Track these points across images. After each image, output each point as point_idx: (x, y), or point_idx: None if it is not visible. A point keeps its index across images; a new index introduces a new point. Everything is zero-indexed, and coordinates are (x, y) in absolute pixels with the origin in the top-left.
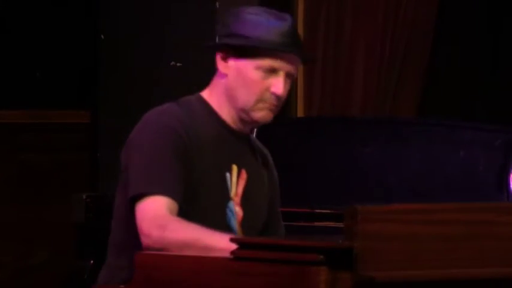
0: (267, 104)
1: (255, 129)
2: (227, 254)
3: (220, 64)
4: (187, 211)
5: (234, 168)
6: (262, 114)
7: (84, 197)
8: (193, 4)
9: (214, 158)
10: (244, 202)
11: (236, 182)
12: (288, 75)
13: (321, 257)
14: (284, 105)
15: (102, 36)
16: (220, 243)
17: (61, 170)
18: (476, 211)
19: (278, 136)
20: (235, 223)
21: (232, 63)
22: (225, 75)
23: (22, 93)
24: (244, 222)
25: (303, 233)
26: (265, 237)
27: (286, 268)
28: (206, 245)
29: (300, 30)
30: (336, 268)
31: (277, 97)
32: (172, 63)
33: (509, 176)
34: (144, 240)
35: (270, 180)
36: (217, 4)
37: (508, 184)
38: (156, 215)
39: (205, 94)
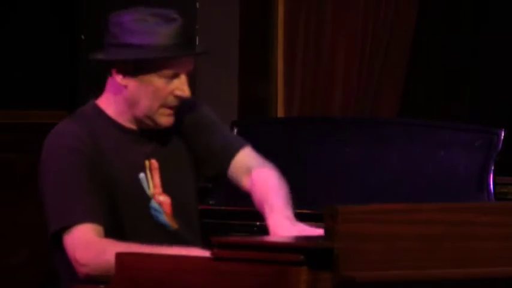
0: (170, 110)
1: (236, 130)
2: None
3: (118, 77)
4: (112, 225)
5: (147, 164)
6: (166, 120)
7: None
8: (174, 4)
9: (121, 164)
10: (167, 188)
11: (151, 175)
12: (187, 74)
13: (302, 257)
14: (264, 106)
15: (82, 36)
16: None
17: None
18: (456, 211)
19: (258, 136)
20: (163, 217)
21: (130, 76)
22: (124, 88)
23: (2, 93)
24: (175, 206)
25: None
26: (245, 237)
27: (266, 268)
28: None
29: (280, 31)
30: (316, 268)
31: (181, 99)
32: None
33: (489, 176)
34: (82, 270)
35: (191, 137)
36: (197, 4)
37: (488, 184)
38: (88, 242)
39: (101, 102)
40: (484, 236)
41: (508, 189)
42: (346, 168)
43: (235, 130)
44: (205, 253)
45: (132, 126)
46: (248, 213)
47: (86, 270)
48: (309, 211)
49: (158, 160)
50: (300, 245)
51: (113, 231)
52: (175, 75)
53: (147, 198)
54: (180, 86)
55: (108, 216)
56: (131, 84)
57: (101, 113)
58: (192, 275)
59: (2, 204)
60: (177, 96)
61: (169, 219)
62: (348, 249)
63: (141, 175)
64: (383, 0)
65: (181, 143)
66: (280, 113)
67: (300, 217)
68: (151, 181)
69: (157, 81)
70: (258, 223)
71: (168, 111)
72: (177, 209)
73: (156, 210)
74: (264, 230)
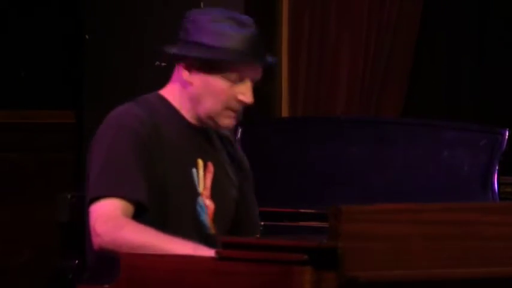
0: (232, 113)
1: (240, 130)
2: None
3: (184, 73)
4: (155, 209)
5: (200, 162)
6: (228, 122)
7: (69, 196)
8: (178, 4)
9: (178, 155)
10: (214, 194)
11: (203, 175)
12: (252, 82)
13: (305, 257)
14: (268, 105)
15: (87, 36)
16: (177, 249)
17: (46, 169)
18: (461, 211)
19: (262, 136)
20: (206, 217)
21: (197, 73)
22: (189, 84)
23: (6, 93)
24: (216, 214)
25: (287, 233)
26: (249, 237)
27: (270, 268)
28: (162, 250)
29: (285, 32)
30: (320, 268)
31: (244, 105)
32: (157, 63)
33: (493, 176)
34: (97, 241)
35: (238, 167)
36: (201, 4)
37: (493, 184)
38: (111, 216)
39: (165, 92)
40: (488, 236)
41: None
42: (349, 168)
43: (240, 130)
44: (212, 253)
45: (193, 121)
46: None
47: (100, 241)
48: (312, 211)
49: (214, 165)
50: (304, 245)
51: (156, 219)
52: (241, 80)
53: (196, 193)
54: (245, 91)
55: (157, 201)
56: (197, 82)
57: (165, 102)
58: (196, 274)
59: (6, 204)
60: (239, 101)
61: (210, 222)
62: (352, 249)
63: (193, 170)
64: (387, 2)
65: (229, 158)
66: (284, 112)
67: (303, 217)
68: (202, 181)
69: (222, 83)
70: (263, 223)
71: (231, 113)
72: (218, 217)
73: (201, 207)
74: (270, 230)
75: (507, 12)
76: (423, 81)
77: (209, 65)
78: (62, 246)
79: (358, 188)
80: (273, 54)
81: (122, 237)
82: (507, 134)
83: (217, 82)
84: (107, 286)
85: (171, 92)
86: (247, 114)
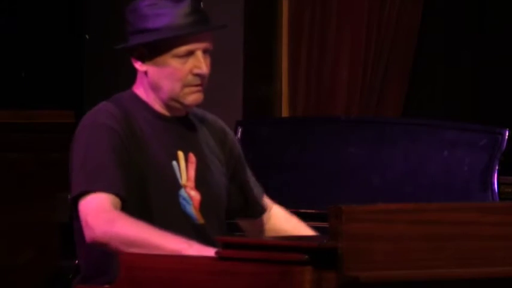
0: (193, 88)
1: (240, 130)
2: (177, 255)
3: (137, 64)
4: (137, 205)
5: (180, 154)
6: (193, 98)
7: (68, 196)
8: None
9: (156, 150)
10: (199, 184)
11: (185, 167)
12: (205, 51)
13: (306, 256)
14: (269, 105)
15: (87, 36)
16: (171, 244)
17: (45, 169)
18: (460, 211)
19: (263, 136)
20: (191, 209)
21: (149, 61)
22: (145, 73)
23: (7, 93)
24: (203, 204)
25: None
26: (250, 237)
27: (271, 268)
28: (156, 245)
29: (285, 30)
30: (320, 268)
31: (202, 77)
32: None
33: (493, 176)
34: (89, 234)
35: (225, 150)
36: (201, 4)
37: (493, 184)
38: (102, 209)
39: (136, 88)
40: (488, 236)
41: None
42: (350, 168)
43: (240, 130)
44: (206, 250)
45: (166, 112)
46: None
47: (92, 234)
48: (313, 211)
49: (196, 155)
50: (304, 245)
51: (141, 213)
52: (190, 54)
53: (178, 186)
54: (197, 64)
55: (138, 197)
56: (150, 69)
57: (136, 98)
58: (196, 274)
59: (6, 204)
60: (196, 75)
61: (197, 212)
62: (352, 249)
63: (174, 163)
64: (387, 0)
65: (217, 146)
66: (285, 112)
67: (304, 217)
68: (185, 172)
69: (172, 62)
70: None
71: (193, 89)
72: (206, 206)
73: (184, 199)
74: None
75: (506, 11)
76: (423, 81)
77: (155, 48)
78: (61, 246)
79: (359, 187)
80: (273, 55)
81: (115, 231)
82: (507, 134)
83: (168, 63)
84: (106, 286)
85: (139, 87)
86: (247, 115)
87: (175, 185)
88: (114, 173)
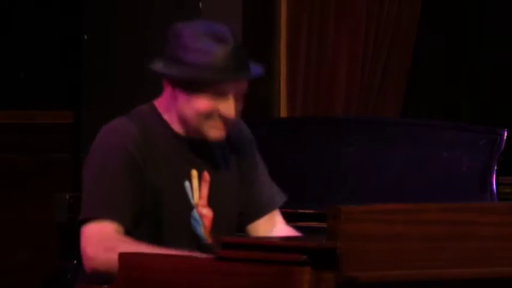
0: (218, 123)
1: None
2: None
3: (169, 88)
4: (151, 227)
5: (194, 173)
6: (215, 133)
7: (67, 197)
8: (177, 4)
9: (170, 169)
10: (212, 201)
11: (198, 185)
12: (237, 95)
13: (305, 257)
14: (267, 106)
15: (86, 37)
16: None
17: (44, 170)
18: (459, 211)
19: (261, 136)
20: (201, 230)
21: (180, 90)
22: (174, 98)
23: (5, 94)
24: (215, 220)
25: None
26: (248, 237)
27: (269, 268)
28: None
29: (283, 31)
30: (319, 268)
31: (226, 120)
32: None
33: (492, 176)
34: (90, 264)
35: (242, 164)
36: (200, 4)
37: (491, 184)
38: (102, 238)
39: (157, 104)
40: (487, 236)
41: (510, 189)
42: (348, 168)
43: None
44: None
45: (183, 132)
46: None
47: (92, 264)
48: (311, 211)
49: (210, 173)
50: (303, 245)
51: (151, 234)
52: (224, 95)
53: (190, 208)
54: (226, 107)
55: (149, 219)
56: (180, 98)
57: (157, 114)
58: (195, 275)
59: (4, 204)
60: (222, 116)
61: (206, 233)
62: (351, 249)
63: (186, 183)
64: (386, 0)
65: (233, 161)
66: (283, 112)
67: (302, 217)
68: (197, 191)
69: (204, 100)
70: None
71: (217, 124)
72: (217, 224)
73: (195, 220)
74: None
75: (506, 11)
76: (422, 81)
77: (190, 83)
78: (60, 246)
79: (357, 188)
80: (271, 55)
81: (114, 257)
82: (506, 134)
83: (199, 99)
84: (106, 286)
85: (161, 104)
86: (246, 115)
87: (187, 207)
88: (120, 198)
